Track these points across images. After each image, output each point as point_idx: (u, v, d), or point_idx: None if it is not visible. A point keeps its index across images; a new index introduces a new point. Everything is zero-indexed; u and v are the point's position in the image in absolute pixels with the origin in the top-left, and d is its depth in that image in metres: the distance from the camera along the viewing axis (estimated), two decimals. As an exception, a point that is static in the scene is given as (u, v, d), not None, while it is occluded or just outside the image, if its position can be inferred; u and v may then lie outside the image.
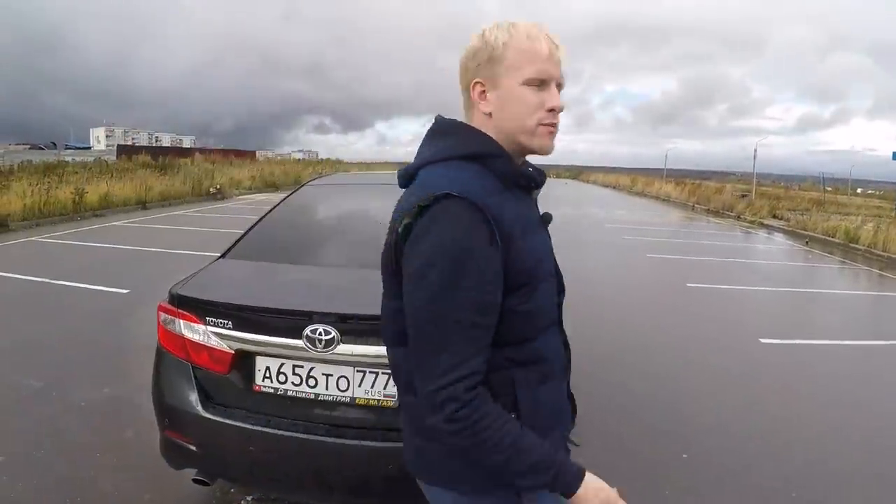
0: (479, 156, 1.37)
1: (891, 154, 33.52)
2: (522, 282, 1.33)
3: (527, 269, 1.34)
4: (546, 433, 1.37)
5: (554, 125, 1.39)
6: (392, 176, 1.62)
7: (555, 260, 1.52)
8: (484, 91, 1.39)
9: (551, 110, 1.37)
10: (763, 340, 7.14)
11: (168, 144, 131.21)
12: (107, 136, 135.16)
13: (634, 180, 52.28)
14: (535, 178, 1.47)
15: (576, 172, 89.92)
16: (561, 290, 1.54)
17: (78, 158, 39.90)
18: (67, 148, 64.33)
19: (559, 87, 1.39)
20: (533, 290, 1.36)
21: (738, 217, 26.23)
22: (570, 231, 16.06)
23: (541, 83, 1.35)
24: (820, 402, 5.39)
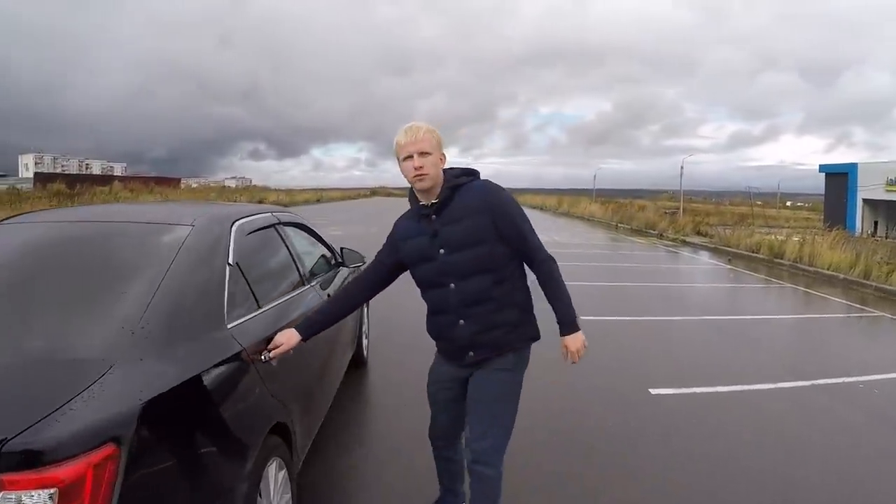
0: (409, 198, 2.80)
1: (817, 167, 34.98)
2: (408, 263, 2.78)
3: (406, 257, 2.77)
4: (438, 337, 2.87)
5: (420, 174, 2.57)
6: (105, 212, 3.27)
7: (437, 254, 2.65)
8: (398, 164, 2.67)
9: (415, 168, 2.57)
10: (654, 391, 5.45)
11: (98, 171, 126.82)
12: (36, 164, 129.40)
13: (561, 201, 52.10)
14: (423, 211, 2.68)
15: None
16: (440, 271, 2.67)
17: None
18: None
19: (422, 153, 2.57)
20: (413, 268, 2.78)
21: (661, 235, 25.15)
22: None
23: (408, 158, 2.59)
24: (712, 470, 3.99)
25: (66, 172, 73.71)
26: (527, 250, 2.67)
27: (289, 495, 2.73)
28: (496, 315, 2.64)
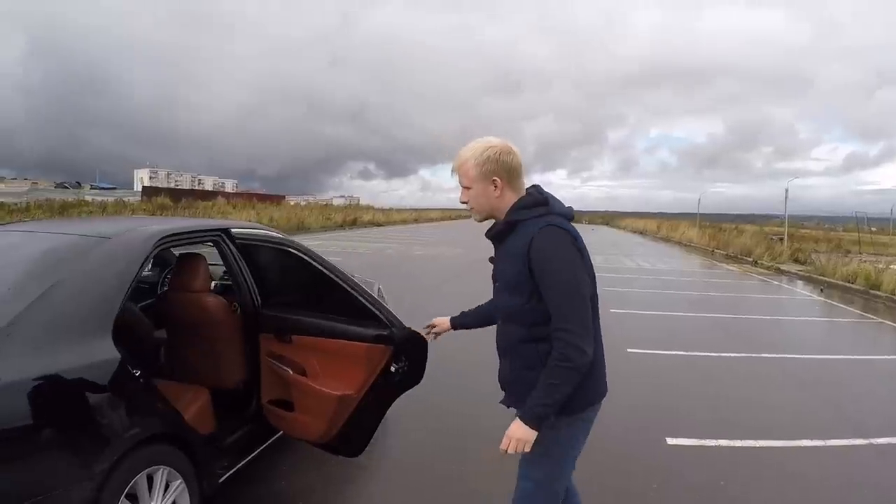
0: None
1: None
2: None
3: None
4: None
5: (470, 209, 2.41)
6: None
7: (498, 280, 2.39)
8: None
9: (463, 203, 2.42)
10: (672, 441, 4.78)
11: (210, 187, 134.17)
12: (150, 178, 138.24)
13: (660, 225, 50.49)
14: (490, 235, 2.42)
15: (608, 218, 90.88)
16: (493, 301, 2.52)
17: (99, 198, 39.85)
18: (93, 188, 65.14)
19: (464, 188, 2.36)
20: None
21: (755, 262, 23.57)
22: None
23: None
24: None
25: (178, 187, 77.99)
26: (552, 313, 2.19)
27: None
28: (523, 372, 2.31)
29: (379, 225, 46.58)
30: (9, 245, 3.13)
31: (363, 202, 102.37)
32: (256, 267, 3.87)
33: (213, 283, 4.86)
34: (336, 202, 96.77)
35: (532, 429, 2.17)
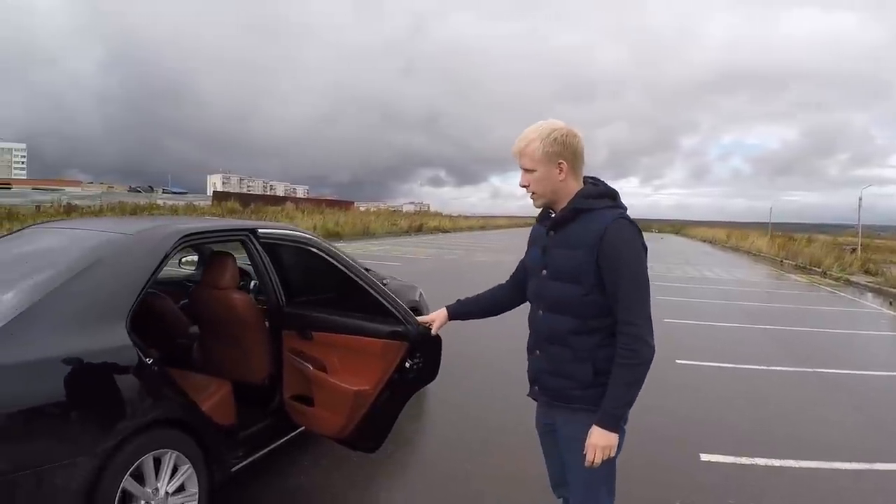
0: None
1: None
2: (526, 267, 2.50)
3: (527, 260, 2.49)
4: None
5: (529, 193, 2.30)
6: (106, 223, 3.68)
7: (540, 273, 2.33)
8: None
9: (523, 187, 2.31)
10: (706, 457, 4.55)
11: (282, 193, 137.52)
12: (223, 183, 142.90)
13: (729, 235, 49.17)
14: (545, 219, 2.36)
15: (679, 227, 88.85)
16: (537, 292, 2.37)
17: (170, 202, 41.13)
18: (164, 192, 67.65)
19: (525, 170, 2.26)
20: (527, 277, 2.48)
21: (824, 273, 22.54)
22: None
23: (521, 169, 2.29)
24: None
25: (249, 192, 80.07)
26: (616, 310, 2.16)
27: (194, 491, 2.96)
28: (568, 365, 2.27)
29: (445, 231, 46.77)
30: (46, 240, 3.40)
31: (433, 209, 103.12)
32: (282, 266, 3.95)
33: (252, 283, 5.00)
34: (406, 208, 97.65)
35: (614, 432, 2.16)
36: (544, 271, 2.31)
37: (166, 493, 2.82)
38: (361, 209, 61.49)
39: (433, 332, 2.88)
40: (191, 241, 3.38)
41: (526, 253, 2.51)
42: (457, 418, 5.20)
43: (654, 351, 2.14)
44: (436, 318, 2.83)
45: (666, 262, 26.00)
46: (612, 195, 2.29)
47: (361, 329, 3.38)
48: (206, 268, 4.06)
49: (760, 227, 58.59)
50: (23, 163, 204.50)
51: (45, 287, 2.63)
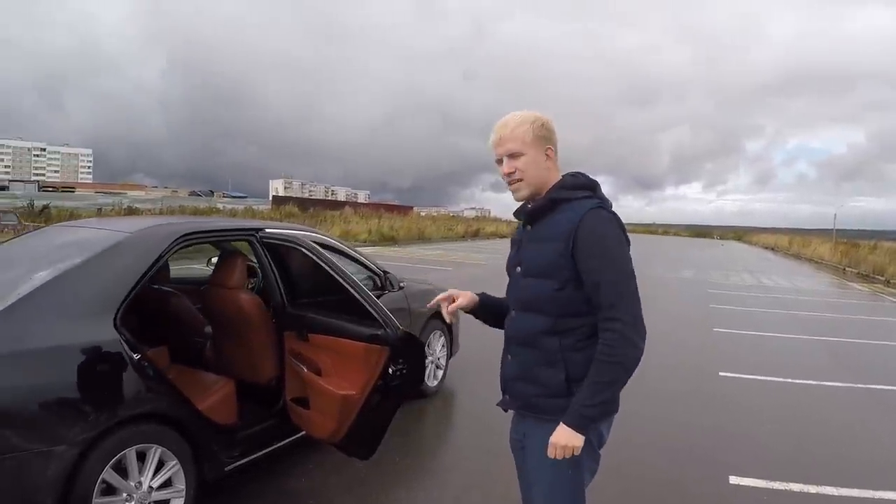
0: None
1: None
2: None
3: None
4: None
5: (512, 181, 2.08)
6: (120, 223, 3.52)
7: (514, 270, 2.16)
8: None
9: (505, 174, 2.08)
10: (735, 480, 4.20)
11: (343, 198, 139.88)
12: (285, 188, 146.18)
13: (791, 241, 47.64)
14: (521, 215, 2.15)
15: (741, 234, 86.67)
16: (510, 291, 2.18)
17: (230, 206, 41.97)
18: (225, 196, 69.25)
19: (512, 155, 2.05)
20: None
21: (888, 282, 21.45)
22: (654, 296, 12.97)
23: (498, 161, 2.10)
24: None
25: (310, 197, 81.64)
26: (597, 304, 1.96)
27: (182, 487, 2.94)
28: (537, 369, 2.06)
29: (502, 237, 46.44)
30: (59, 237, 3.50)
31: (494, 214, 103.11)
32: (288, 267, 3.91)
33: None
34: (466, 214, 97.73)
35: (579, 433, 1.94)
36: (518, 268, 2.13)
37: (150, 487, 2.80)
38: (422, 214, 61.64)
39: (452, 308, 2.26)
40: (191, 241, 3.38)
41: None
42: (470, 426, 5.06)
43: (640, 353, 1.93)
44: (461, 295, 2.30)
45: (724, 269, 25.27)
46: (592, 186, 2.11)
47: (345, 331, 3.31)
48: (216, 267, 4.08)
49: (824, 233, 56.39)
50: (89, 168, 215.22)
51: (36, 281, 2.69)
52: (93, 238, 3.19)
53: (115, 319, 2.75)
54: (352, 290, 3.34)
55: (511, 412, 2.25)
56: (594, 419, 1.96)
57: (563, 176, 2.12)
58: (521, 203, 2.16)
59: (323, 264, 3.43)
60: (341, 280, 3.38)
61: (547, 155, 2.08)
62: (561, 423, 1.95)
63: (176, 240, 3.20)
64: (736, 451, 4.76)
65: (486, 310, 2.34)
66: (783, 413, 5.89)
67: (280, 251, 3.81)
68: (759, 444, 4.99)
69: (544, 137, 2.07)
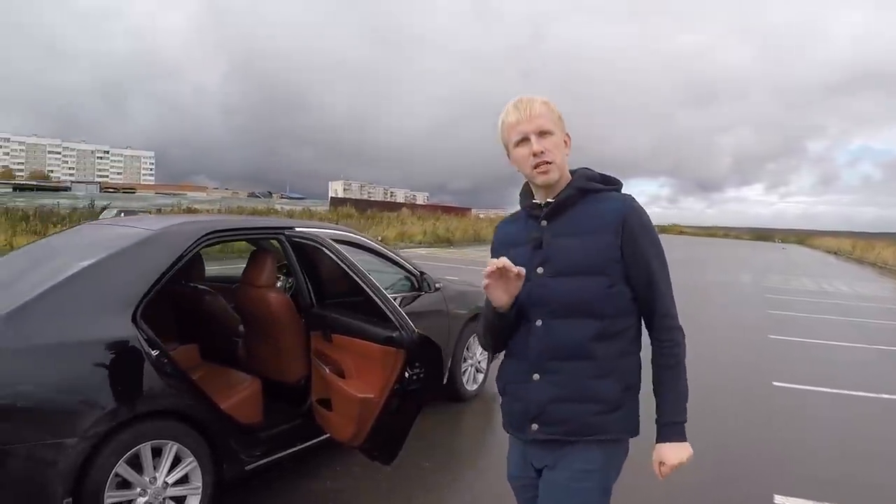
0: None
1: None
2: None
3: None
4: (504, 391, 1.94)
5: (542, 163, 1.79)
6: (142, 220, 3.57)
7: (533, 272, 1.80)
8: (509, 155, 1.90)
9: (534, 154, 1.78)
10: (779, 499, 3.92)
11: (402, 199, 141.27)
12: (344, 189, 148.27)
13: (855, 245, 46.00)
14: (534, 211, 1.88)
15: (803, 237, 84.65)
16: (530, 298, 1.81)
17: (287, 207, 42.69)
18: (283, 197, 70.36)
19: (542, 133, 1.78)
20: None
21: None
22: (709, 301, 12.49)
23: (522, 141, 1.80)
24: None
25: (369, 199, 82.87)
26: (652, 302, 1.82)
27: (198, 484, 2.91)
28: (590, 382, 1.77)
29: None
30: (90, 236, 3.57)
31: None
32: (314, 266, 3.86)
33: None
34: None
35: (685, 443, 1.82)
36: (540, 269, 1.82)
37: (165, 482, 2.80)
38: (480, 216, 61.42)
39: (515, 271, 1.71)
40: (216, 239, 3.38)
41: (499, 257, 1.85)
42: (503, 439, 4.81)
43: None
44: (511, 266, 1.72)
45: (783, 274, 24.40)
46: (615, 181, 1.93)
47: (364, 332, 3.25)
48: (246, 266, 4.06)
49: (890, 237, 54.15)
50: (151, 169, 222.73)
51: (58, 277, 2.73)
52: (120, 235, 3.21)
53: (134, 315, 2.75)
54: (368, 290, 3.26)
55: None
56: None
57: (578, 169, 1.92)
58: (530, 202, 1.92)
59: (341, 263, 3.37)
60: (358, 280, 3.31)
61: (566, 143, 1.88)
62: (661, 444, 1.81)
63: (199, 238, 3.20)
64: (785, 468, 4.45)
65: (507, 320, 1.86)
66: (838, 428, 5.51)
67: (307, 250, 3.76)
68: (809, 460, 4.66)
69: (563, 122, 1.87)
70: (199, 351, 3.91)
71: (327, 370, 3.44)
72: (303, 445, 3.59)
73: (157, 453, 2.78)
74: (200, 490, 2.92)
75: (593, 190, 1.85)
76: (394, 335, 3.11)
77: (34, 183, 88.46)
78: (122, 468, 2.62)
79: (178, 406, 2.87)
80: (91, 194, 46.42)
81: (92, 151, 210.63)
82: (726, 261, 32.16)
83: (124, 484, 2.66)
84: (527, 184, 1.94)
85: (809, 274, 25.53)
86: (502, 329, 1.89)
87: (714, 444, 4.72)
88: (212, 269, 4.85)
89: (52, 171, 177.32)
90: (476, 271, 4.96)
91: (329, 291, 3.83)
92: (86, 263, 2.83)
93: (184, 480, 2.88)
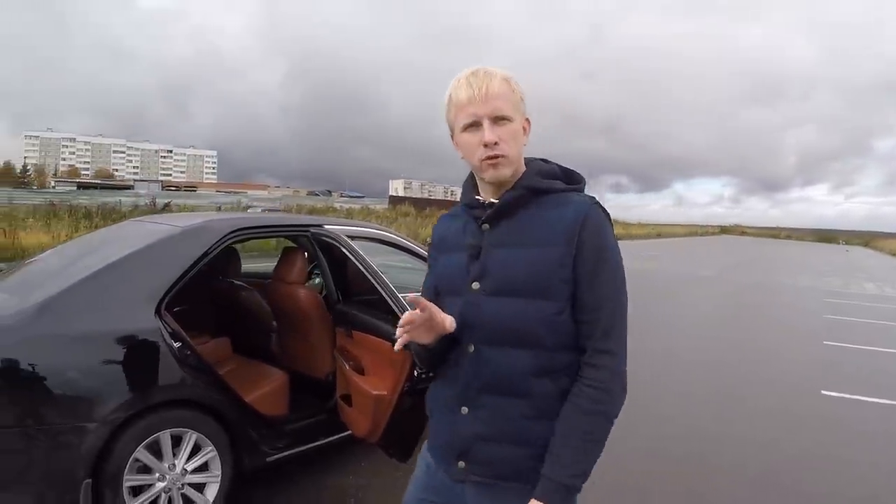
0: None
1: None
2: (438, 289, 1.61)
3: (437, 279, 1.63)
4: (432, 416, 1.64)
5: (493, 157, 1.44)
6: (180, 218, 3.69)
7: (466, 287, 1.51)
8: (453, 138, 1.54)
9: (485, 145, 1.43)
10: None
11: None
12: (405, 188, 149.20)
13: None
14: (475, 212, 1.55)
15: (868, 239, 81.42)
16: (463, 318, 1.51)
17: (346, 205, 43.28)
18: (342, 196, 71.08)
19: (497, 119, 1.43)
20: (439, 300, 1.56)
21: None
22: (765, 305, 12.05)
23: (472, 125, 1.45)
24: None
25: (429, 197, 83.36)
26: (592, 330, 1.45)
27: (217, 472, 2.98)
28: (525, 422, 1.48)
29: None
30: (128, 232, 3.65)
31: (614, 216, 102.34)
32: (340, 263, 3.85)
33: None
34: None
35: None
36: (475, 283, 1.51)
37: (184, 469, 2.88)
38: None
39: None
40: (242, 236, 3.44)
41: (435, 264, 1.68)
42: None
43: (622, 403, 1.46)
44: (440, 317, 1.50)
45: (845, 277, 23.35)
46: (580, 180, 1.59)
47: (378, 329, 3.24)
48: (278, 263, 4.12)
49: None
50: (213, 168, 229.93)
51: (86, 271, 2.84)
52: (151, 232, 3.30)
53: (158, 308, 2.84)
54: (378, 287, 3.25)
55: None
56: (578, 490, 1.43)
57: (533, 161, 1.59)
58: (473, 197, 1.59)
59: (355, 261, 3.35)
60: (370, 277, 3.30)
61: (525, 130, 1.53)
62: (534, 500, 1.41)
63: (225, 235, 3.26)
64: (826, 483, 4.23)
65: (436, 350, 1.58)
66: (887, 441, 5.21)
67: (332, 248, 3.76)
68: (853, 475, 4.41)
69: (524, 104, 1.51)
70: (230, 344, 3.97)
71: (348, 366, 3.45)
72: (326, 440, 3.62)
73: (177, 441, 2.85)
74: (219, 478, 2.99)
75: (548, 190, 1.52)
76: None
77: (97, 181, 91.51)
78: (141, 453, 2.70)
79: (198, 396, 2.94)
80: (152, 192, 47.95)
81: (156, 151, 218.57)
82: (787, 264, 31.10)
83: (144, 469, 2.75)
84: (472, 175, 1.61)
85: (873, 278, 24.32)
86: (432, 357, 1.60)
87: (751, 453, 4.56)
88: (252, 265, 4.90)
89: (116, 170, 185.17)
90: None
91: (353, 289, 3.84)
92: (115, 258, 2.93)
93: (203, 468, 2.95)
